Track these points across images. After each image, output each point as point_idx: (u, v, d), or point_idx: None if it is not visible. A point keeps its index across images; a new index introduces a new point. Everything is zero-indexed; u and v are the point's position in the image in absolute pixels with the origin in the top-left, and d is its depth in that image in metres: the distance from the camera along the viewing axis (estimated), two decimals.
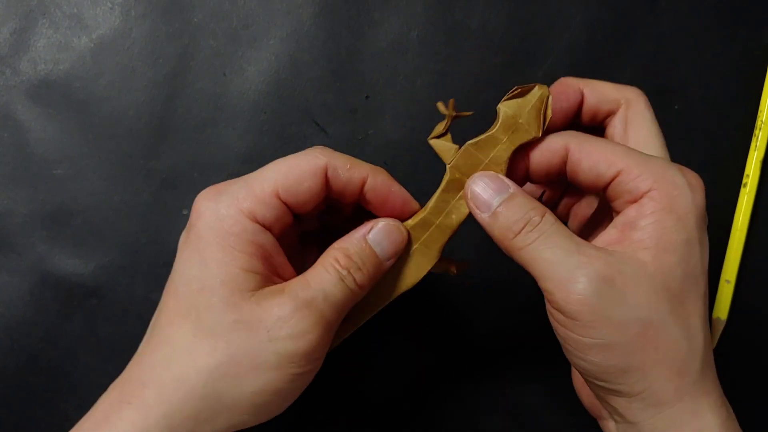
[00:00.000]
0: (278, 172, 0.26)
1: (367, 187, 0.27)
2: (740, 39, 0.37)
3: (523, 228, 0.25)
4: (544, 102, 0.27)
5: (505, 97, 0.27)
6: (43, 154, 0.37)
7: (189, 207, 0.36)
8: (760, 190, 0.36)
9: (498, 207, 0.26)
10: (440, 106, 0.28)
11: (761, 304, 0.36)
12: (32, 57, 0.37)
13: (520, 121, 0.27)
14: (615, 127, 0.28)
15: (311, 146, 0.36)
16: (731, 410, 0.25)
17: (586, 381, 0.26)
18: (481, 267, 0.36)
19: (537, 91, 0.27)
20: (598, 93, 0.28)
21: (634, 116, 0.28)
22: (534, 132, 0.27)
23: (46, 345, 0.36)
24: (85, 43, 0.37)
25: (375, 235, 0.27)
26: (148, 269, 0.36)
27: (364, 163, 0.27)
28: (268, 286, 0.25)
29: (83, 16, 0.37)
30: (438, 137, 0.28)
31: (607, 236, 0.25)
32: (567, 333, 0.24)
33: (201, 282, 0.24)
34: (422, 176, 0.36)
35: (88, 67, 0.37)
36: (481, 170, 0.27)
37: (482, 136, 0.27)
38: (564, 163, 0.27)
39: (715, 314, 0.35)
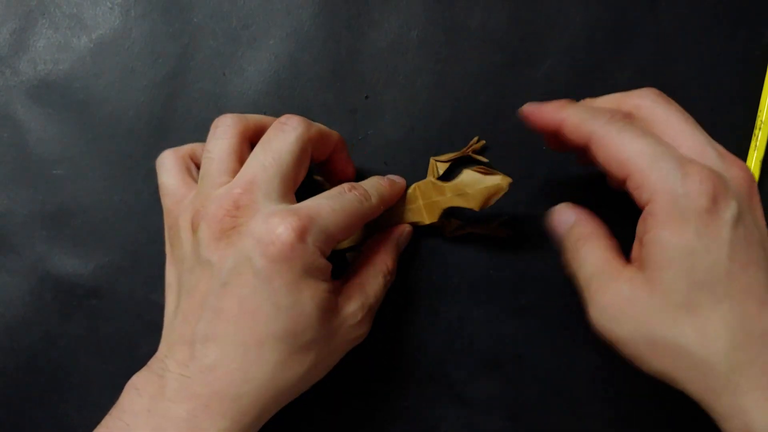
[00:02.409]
0: (341, 220, 0.28)
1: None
2: (740, 39, 0.37)
3: (575, 252, 0.29)
4: (497, 192, 0.31)
5: (473, 167, 0.32)
6: (42, 154, 0.37)
7: None
8: (760, 189, 0.36)
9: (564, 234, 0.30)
10: (473, 143, 0.35)
11: None
12: (32, 57, 0.37)
13: (469, 192, 0.32)
14: None
15: None
16: None
17: None
18: (481, 267, 0.36)
19: (497, 181, 0.31)
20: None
21: (647, 119, 0.28)
22: (473, 207, 0.32)
23: (45, 345, 0.36)
24: (84, 43, 0.37)
25: (402, 240, 0.34)
26: (148, 269, 0.36)
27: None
28: (337, 294, 0.29)
29: (83, 16, 0.37)
30: (441, 161, 0.35)
31: (635, 251, 0.27)
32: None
33: (299, 308, 0.27)
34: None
35: (88, 67, 0.37)
36: (430, 206, 0.33)
37: (441, 184, 0.33)
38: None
39: None
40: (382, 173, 0.35)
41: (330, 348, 0.29)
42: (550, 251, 0.36)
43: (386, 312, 0.35)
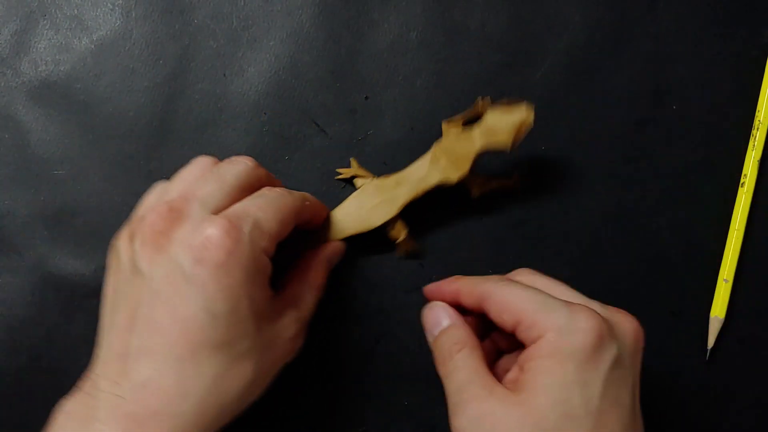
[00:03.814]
0: (278, 215, 0.28)
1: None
2: (739, 39, 0.37)
3: (447, 358, 0.28)
4: (523, 123, 0.31)
5: (493, 106, 0.31)
6: (44, 155, 0.37)
7: None
8: (758, 189, 0.36)
9: (437, 335, 0.30)
10: (479, 102, 0.33)
11: (759, 302, 0.36)
12: (33, 58, 0.37)
13: (498, 132, 0.31)
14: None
15: (311, 147, 0.36)
16: None
17: None
18: (481, 267, 0.36)
19: (521, 113, 0.31)
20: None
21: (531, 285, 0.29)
22: (505, 146, 0.31)
23: (47, 345, 0.36)
24: (85, 44, 0.37)
25: (334, 257, 0.34)
26: None
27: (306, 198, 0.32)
28: (272, 302, 0.29)
29: (84, 17, 0.37)
30: (452, 122, 0.33)
31: (511, 374, 0.28)
32: None
33: (236, 316, 0.26)
34: None
35: (89, 68, 0.37)
36: (456, 160, 0.32)
37: (465, 132, 0.32)
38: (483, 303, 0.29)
39: (713, 313, 0.35)
40: (383, 173, 0.35)
41: (268, 360, 0.28)
42: (550, 249, 0.36)
43: (387, 312, 0.35)
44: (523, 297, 0.27)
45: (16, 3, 0.37)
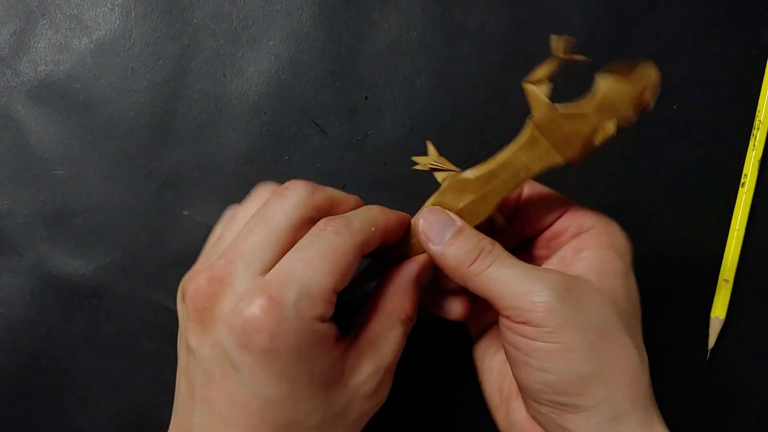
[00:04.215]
0: (332, 266, 0.24)
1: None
2: (739, 39, 0.37)
3: (478, 256, 0.25)
4: (648, 88, 0.25)
5: (606, 71, 0.25)
6: (43, 155, 0.37)
7: (189, 207, 0.37)
8: (758, 189, 0.36)
9: (450, 239, 0.26)
10: (554, 41, 0.25)
11: (759, 303, 0.36)
12: (33, 58, 0.37)
13: (617, 105, 0.25)
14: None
15: (311, 147, 0.36)
16: None
17: (539, 407, 0.25)
18: None
19: (644, 74, 0.25)
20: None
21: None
22: (627, 119, 0.25)
23: (47, 345, 0.36)
24: (85, 44, 0.37)
25: (422, 274, 0.28)
26: (149, 270, 0.36)
27: (389, 213, 0.28)
28: (343, 361, 0.25)
29: (83, 17, 0.37)
30: (535, 82, 0.26)
31: (549, 266, 0.28)
32: (532, 344, 0.24)
33: (294, 397, 0.23)
34: (421, 176, 0.36)
35: (89, 68, 0.37)
36: (564, 141, 0.26)
37: (573, 107, 0.25)
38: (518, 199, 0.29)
39: (713, 313, 0.35)
40: (382, 173, 0.35)
41: (345, 424, 0.25)
42: None
43: None
44: (563, 196, 0.29)
45: (16, 3, 0.37)
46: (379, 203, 0.28)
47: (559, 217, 0.28)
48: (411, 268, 0.27)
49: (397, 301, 0.27)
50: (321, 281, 0.23)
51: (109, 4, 0.37)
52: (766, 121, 0.36)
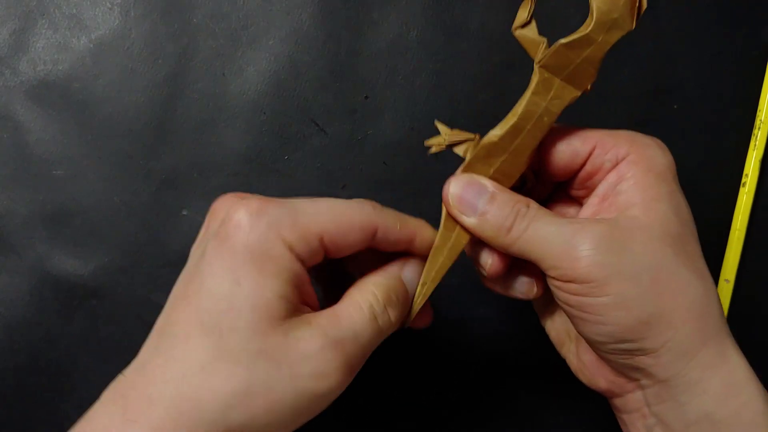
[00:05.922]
0: (328, 217, 0.24)
1: (411, 244, 0.27)
2: (739, 38, 0.37)
3: (514, 221, 0.25)
4: None
5: None
6: (42, 155, 0.37)
7: (189, 207, 0.36)
8: (759, 189, 0.36)
9: (484, 207, 0.26)
10: None
11: (760, 303, 0.36)
12: (32, 58, 0.37)
13: (615, 16, 0.25)
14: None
15: (310, 146, 0.36)
16: None
17: (606, 355, 0.25)
18: None
19: None
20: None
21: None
22: (628, 26, 0.25)
23: (46, 345, 0.36)
24: (84, 43, 0.37)
25: (408, 274, 0.27)
26: (148, 269, 0.36)
27: (411, 219, 0.27)
28: (297, 315, 0.23)
29: (82, 16, 0.37)
30: (523, 26, 0.26)
31: (588, 209, 0.26)
32: (583, 300, 0.24)
33: (230, 302, 0.22)
34: (421, 176, 0.36)
35: (88, 68, 0.37)
36: (576, 73, 0.26)
37: (575, 36, 0.25)
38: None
39: None
40: (382, 173, 0.35)
41: (278, 390, 0.22)
42: None
43: None
44: (588, 129, 0.27)
45: (15, 2, 0.37)
46: (379, 203, 0.28)
47: (590, 154, 0.26)
48: (405, 263, 0.27)
49: (375, 281, 0.26)
50: (315, 223, 0.24)
51: (108, 4, 0.37)
52: (767, 121, 0.36)
